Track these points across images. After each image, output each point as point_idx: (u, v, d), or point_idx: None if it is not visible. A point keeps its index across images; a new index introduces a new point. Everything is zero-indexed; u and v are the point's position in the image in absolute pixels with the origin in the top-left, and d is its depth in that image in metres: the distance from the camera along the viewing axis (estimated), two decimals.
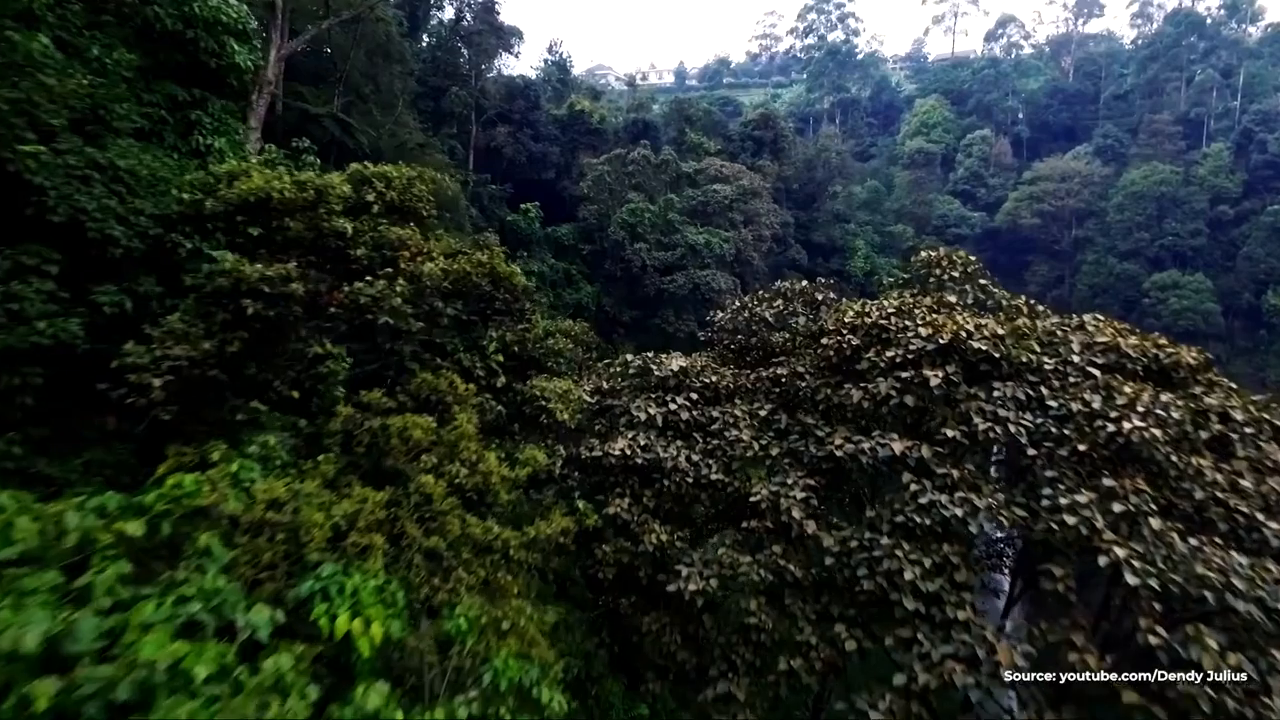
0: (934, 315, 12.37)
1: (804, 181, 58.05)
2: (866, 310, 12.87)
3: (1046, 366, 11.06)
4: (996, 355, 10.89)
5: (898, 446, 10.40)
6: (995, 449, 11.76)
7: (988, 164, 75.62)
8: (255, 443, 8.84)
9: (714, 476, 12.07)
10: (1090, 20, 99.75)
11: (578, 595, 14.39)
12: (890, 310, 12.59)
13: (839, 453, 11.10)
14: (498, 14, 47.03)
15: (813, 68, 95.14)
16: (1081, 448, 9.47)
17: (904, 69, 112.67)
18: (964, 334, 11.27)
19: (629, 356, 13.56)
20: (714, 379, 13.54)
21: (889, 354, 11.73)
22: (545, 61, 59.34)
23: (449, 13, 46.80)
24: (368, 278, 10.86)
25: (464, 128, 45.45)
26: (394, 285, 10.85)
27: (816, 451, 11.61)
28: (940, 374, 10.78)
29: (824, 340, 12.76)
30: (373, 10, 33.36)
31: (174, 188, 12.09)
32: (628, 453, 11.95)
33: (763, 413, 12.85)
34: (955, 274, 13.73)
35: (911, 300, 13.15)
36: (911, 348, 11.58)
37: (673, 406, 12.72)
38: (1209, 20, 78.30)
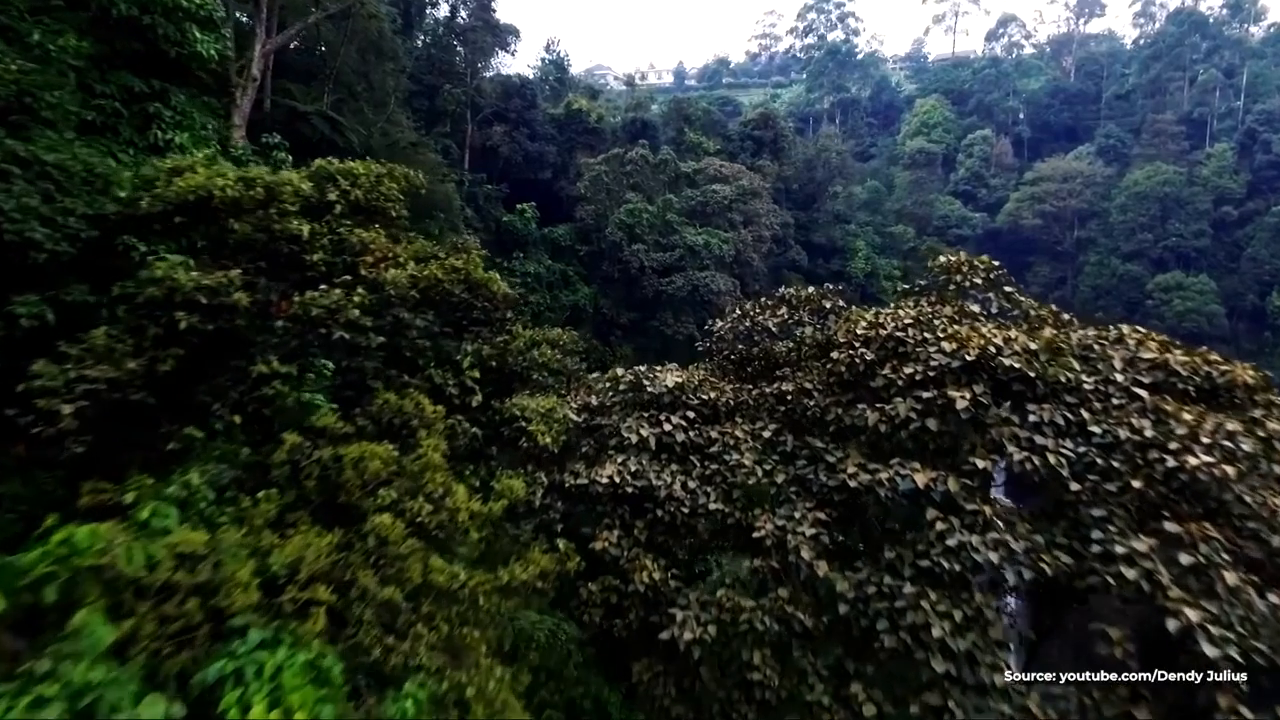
0: (956, 327, 11.03)
1: (804, 182, 56.68)
2: (880, 320, 11.51)
3: (1086, 386, 9.70)
4: (1031, 374, 9.54)
5: (921, 479, 9.06)
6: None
7: (989, 164, 74.27)
8: (176, 482, 7.50)
9: (712, 506, 10.72)
10: (1091, 20, 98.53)
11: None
12: (907, 320, 11.24)
13: (853, 483, 9.75)
14: (493, 11, 45.67)
15: (812, 68, 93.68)
16: (1136, 484, 8.11)
17: (904, 69, 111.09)
18: (993, 349, 9.92)
19: (619, 371, 12.21)
20: (712, 395, 12.19)
21: (907, 370, 10.39)
22: (542, 60, 57.94)
23: (444, 10, 45.41)
24: (322, 286, 9.51)
25: (459, 126, 44.14)
26: (352, 294, 9.51)
27: (827, 480, 10.26)
28: (968, 395, 9.44)
29: (834, 354, 11.41)
30: (363, 5, 32.06)
31: (115, 185, 10.76)
32: (616, 480, 10.61)
33: (766, 434, 11.50)
34: (978, 280, 12.38)
35: (930, 309, 11.80)
36: (933, 364, 10.24)
37: (667, 427, 11.37)
38: (1211, 20, 76.81)
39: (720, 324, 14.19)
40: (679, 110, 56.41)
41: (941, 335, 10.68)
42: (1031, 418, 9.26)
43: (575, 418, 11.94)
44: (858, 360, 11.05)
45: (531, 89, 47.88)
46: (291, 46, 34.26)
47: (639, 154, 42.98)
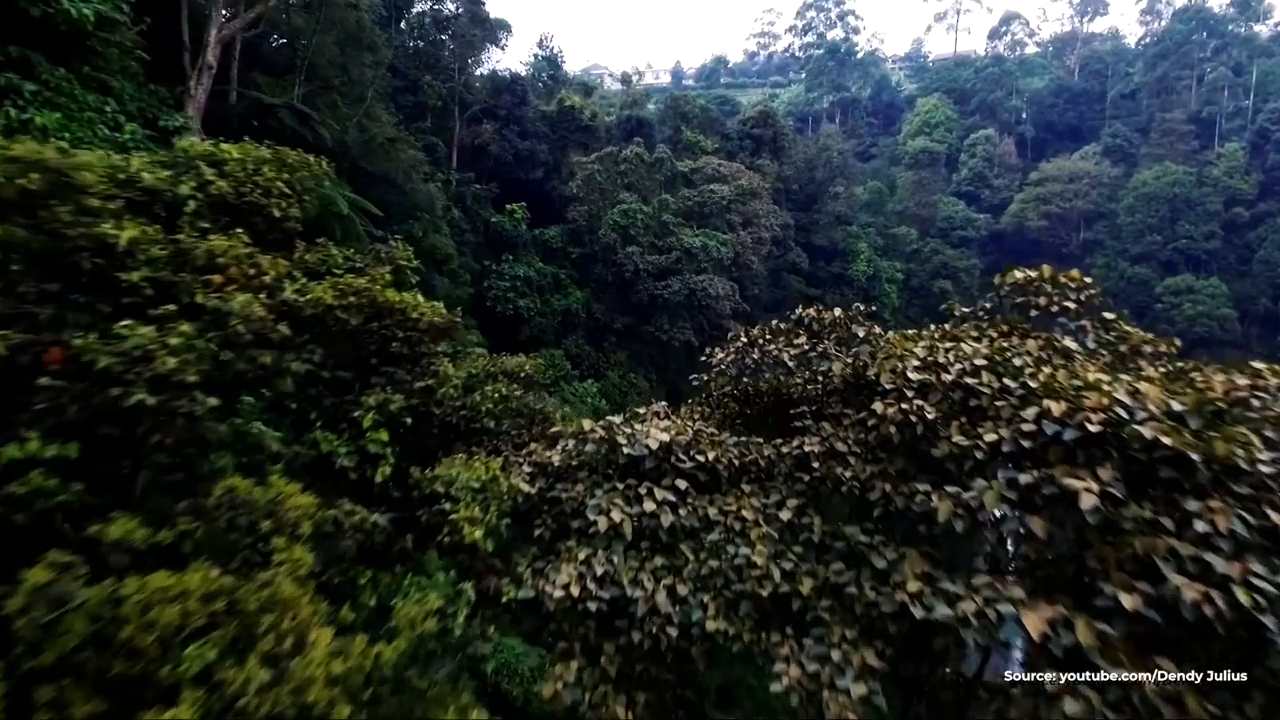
0: (1049, 369, 7.63)
1: (804, 182, 53.11)
2: (939, 359, 8.11)
3: (1263, 469, 6.28)
4: (1194, 455, 6.12)
5: (1034, 623, 5.67)
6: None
7: (992, 164, 70.64)
8: None
9: (710, 625, 7.33)
10: (1095, 18, 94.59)
11: None
12: (979, 361, 7.84)
13: (918, 611, 6.37)
14: (482, 4, 42.18)
15: (812, 67, 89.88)
16: None
17: (904, 69, 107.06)
18: (1121, 411, 6.51)
19: (586, 424, 8.82)
20: (711, 455, 8.77)
21: (989, 438, 6.99)
22: (535, 56, 54.34)
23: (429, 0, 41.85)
24: (125, 323, 6.10)
25: (446, 124, 40.70)
26: (171, 334, 6.10)
27: (877, 599, 6.87)
28: (1095, 488, 6.04)
29: (878, 406, 7.99)
30: None
31: None
32: (575, 594, 7.22)
33: (785, 514, 8.10)
34: (1069, 304, 8.99)
35: (1006, 344, 8.39)
36: (1025, 429, 6.85)
37: (649, 506, 7.98)
38: (1219, 17, 73.01)
39: (721, 355, 10.78)
40: (676, 108, 52.85)
41: (1034, 384, 7.29)
42: (1200, 526, 5.84)
43: (527, 487, 8.55)
44: (913, 417, 7.64)
45: (522, 85, 44.40)
46: (271, 40, 30.92)
47: (634, 152, 39.51)
